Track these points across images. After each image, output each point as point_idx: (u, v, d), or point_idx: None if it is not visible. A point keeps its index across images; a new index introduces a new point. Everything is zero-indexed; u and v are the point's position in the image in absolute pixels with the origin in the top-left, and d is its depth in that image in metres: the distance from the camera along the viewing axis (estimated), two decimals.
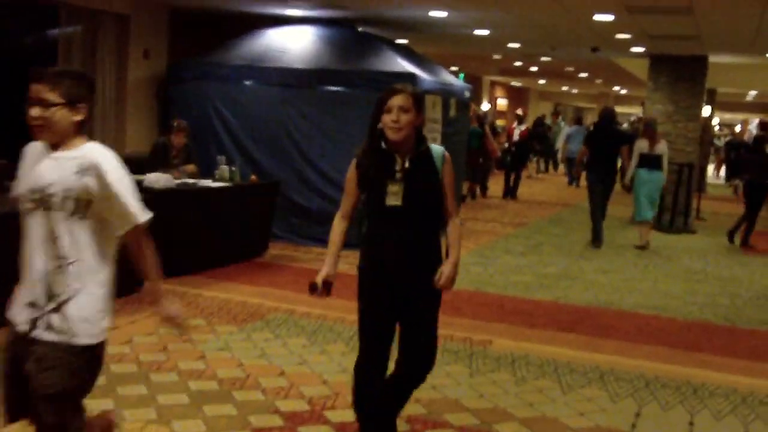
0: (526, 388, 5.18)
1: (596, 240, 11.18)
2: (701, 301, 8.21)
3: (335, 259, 3.77)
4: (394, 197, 3.58)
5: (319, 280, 3.72)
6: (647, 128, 11.36)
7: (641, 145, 11.11)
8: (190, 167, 8.62)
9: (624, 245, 11.44)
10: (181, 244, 7.55)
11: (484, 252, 10.19)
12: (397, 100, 3.53)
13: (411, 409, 4.62)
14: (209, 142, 9.76)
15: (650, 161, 11.00)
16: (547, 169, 25.16)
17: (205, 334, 5.91)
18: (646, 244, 11.25)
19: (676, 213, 13.57)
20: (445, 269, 3.64)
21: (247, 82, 9.93)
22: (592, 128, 13.06)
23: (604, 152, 11.10)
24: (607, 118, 11.51)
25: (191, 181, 8.31)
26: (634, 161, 11.11)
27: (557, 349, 6.10)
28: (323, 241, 9.73)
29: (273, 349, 5.67)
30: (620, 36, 11.56)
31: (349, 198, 3.77)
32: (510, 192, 16.89)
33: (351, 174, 3.71)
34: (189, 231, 7.71)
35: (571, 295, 8.08)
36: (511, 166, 17.02)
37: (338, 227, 3.79)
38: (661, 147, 11.10)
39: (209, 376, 5.02)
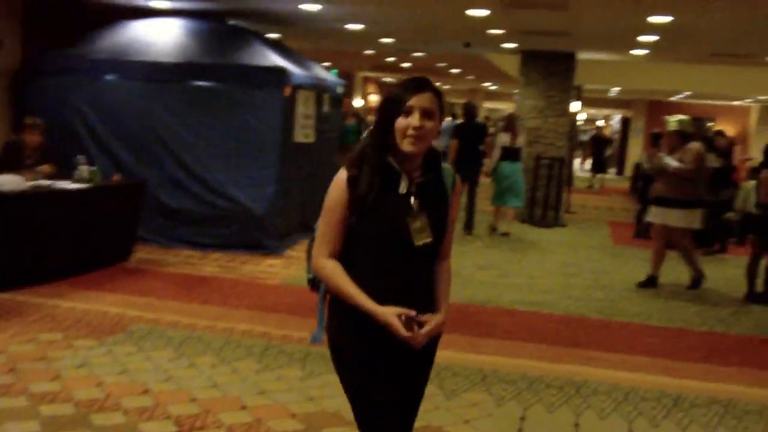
0: None
1: (467, 227, 11.91)
2: (577, 294, 8.25)
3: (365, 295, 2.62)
4: (422, 234, 2.67)
5: (395, 321, 2.57)
6: (509, 123, 12.09)
7: (504, 139, 11.81)
8: (46, 168, 8.01)
9: (499, 241, 11.48)
10: (36, 251, 7.03)
11: None
12: (421, 100, 2.61)
13: (288, 425, 4.34)
14: (69, 141, 9.11)
15: (512, 154, 11.77)
16: None
17: (62, 350, 5.42)
18: (496, 228, 12.14)
19: (547, 207, 13.75)
20: (434, 320, 2.70)
21: (110, 77, 9.37)
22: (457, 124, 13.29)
23: (468, 145, 11.74)
24: (470, 113, 12.09)
25: (47, 182, 7.71)
26: (497, 153, 11.82)
27: (438, 352, 5.89)
28: (193, 244, 9.48)
29: (136, 364, 5.24)
30: (493, 31, 11.55)
31: (336, 228, 2.68)
32: None
33: (338, 195, 2.68)
34: (44, 236, 7.15)
35: (452, 292, 7.92)
36: None
37: (336, 269, 2.67)
38: (521, 140, 11.97)
39: (64, 398, 4.56)
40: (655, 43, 11.76)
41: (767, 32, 10.13)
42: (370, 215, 2.64)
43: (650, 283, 8.78)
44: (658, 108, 27.30)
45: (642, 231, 12.18)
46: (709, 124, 25.96)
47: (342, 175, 2.69)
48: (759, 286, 8.50)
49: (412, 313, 2.60)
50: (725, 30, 10.18)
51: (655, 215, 8.65)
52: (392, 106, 2.64)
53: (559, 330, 6.87)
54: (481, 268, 9.35)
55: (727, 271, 10.13)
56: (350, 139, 13.80)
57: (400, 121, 2.61)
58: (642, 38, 11.26)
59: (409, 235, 2.64)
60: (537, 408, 4.92)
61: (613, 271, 9.68)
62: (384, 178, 2.66)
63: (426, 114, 2.60)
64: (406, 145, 2.61)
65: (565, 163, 14.47)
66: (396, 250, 2.66)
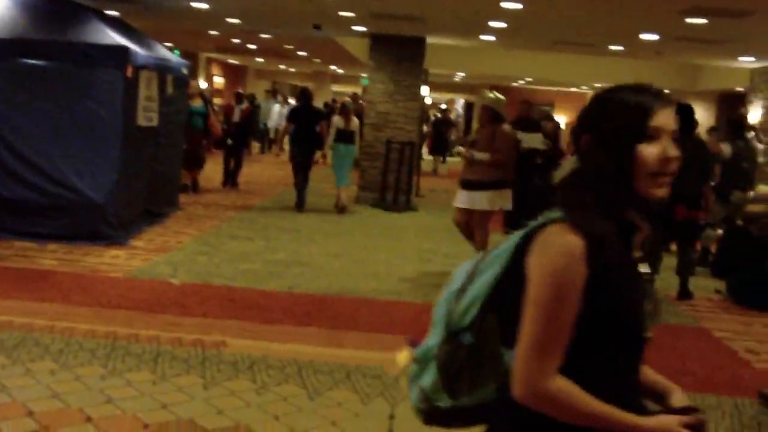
0: (269, 398, 4.65)
1: (299, 205, 12.45)
2: (434, 281, 8.14)
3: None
4: (651, 318, 1.86)
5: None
6: (343, 108, 12.91)
7: (338, 123, 12.47)
8: None
9: (350, 226, 11.32)
10: None
11: (208, 239, 9.54)
12: (670, 118, 1.77)
13: None
14: None
15: (346, 136, 12.47)
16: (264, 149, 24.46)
17: None
18: (344, 207, 12.70)
19: (398, 192, 13.70)
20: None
21: None
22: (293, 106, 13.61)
23: (303, 128, 12.23)
24: (306, 97, 12.69)
25: None
26: (332, 136, 12.43)
27: (298, 347, 5.63)
28: (29, 235, 8.75)
29: None
30: (344, 14, 11.33)
31: (568, 327, 1.69)
32: (230, 178, 14.96)
33: (573, 274, 1.67)
34: None
35: (305, 283, 7.68)
36: (230, 149, 14.98)
37: (573, 388, 1.70)
38: (354, 124, 12.62)
39: None
40: (504, 30, 11.87)
41: (608, 23, 10.40)
42: (612, 297, 1.72)
43: None
44: (501, 93, 27.96)
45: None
46: (546, 107, 26.82)
47: (572, 240, 1.67)
48: None
49: (700, 414, 1.81)
50: (570, 20, 10.36)
51: (462, 199, 8.21)
52: (634, 122, 1.74)
53: (421, 319, 6.71)
54: (334, 256, 9.13)
55: None
56: (196, 122, 13.11)
57: (647, 150, 1.73)
58: (492, 24, 11.33)
59: (644, 319, 1.82)
60: (406, 405, 4.73)
61: (467, 257, 9.64)
62: (623, 242, 1.78)
63: (675, 139, 1.78)
64: (656, 188, 1.76)
65: (416, 147, 14.48)
66: (633, 343, 1.83)
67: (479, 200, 8.10)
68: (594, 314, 1.70)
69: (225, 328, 5.98)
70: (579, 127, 1.85)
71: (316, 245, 9.65)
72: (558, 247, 1.68)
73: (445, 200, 13.16)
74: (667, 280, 8.50)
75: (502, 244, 1.85)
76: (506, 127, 8.29)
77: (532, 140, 11.38)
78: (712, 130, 14.16)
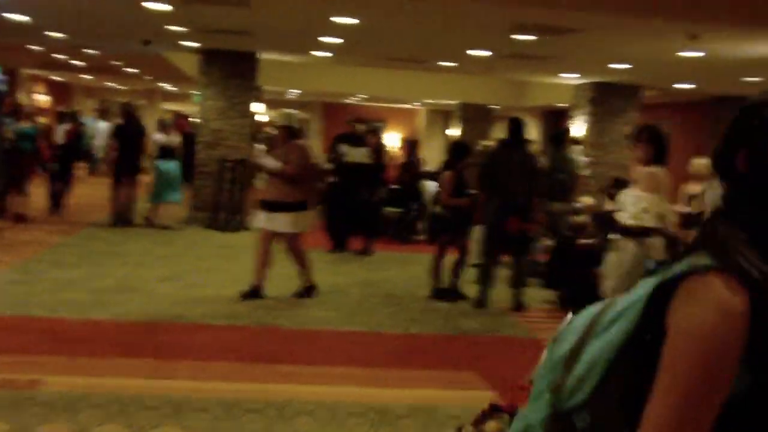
0: None
1: (120, 222, 12.50)
2: (269, 303, 7.89)
3: None
4: None
5: None
6: (163, 125, 13.16)
7: (159, 138, 12.71)
8: None
9: (183, 249, 10.89)
10: None
11: (28, 266, 8.89)
12: None
13: None
14: None
15: (168, 152, 12.68)
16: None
17: None
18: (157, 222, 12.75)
19: (232, 211, 13.34)
20: None
21: None
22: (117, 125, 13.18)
23: (128, 145, 12.30)
24: (129, 113, 12.75)
25: None
26: (156, 152, 12.66)
27: (123, 381, 5.25)
28: None
29: None
30: (174, 28, 10.93)
31: (716, 408, 1.26)
32: (56, 202, 13.55)
33: (728, 343, 1.25)
34: None
35: (133, 310, 7.24)
36: (56, 172, 13.56)
37: None
38: (174, 139, 12.92)
39: None
40: (338, 45, 11.80)
41: (441, 39, 10.51)
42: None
43: (254, 294, 8.00)
44: (334, 110, 27.94)
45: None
46: (378, 124, 27.07)
47: (730, 295, 1.27)
48: (446, 282, 8.73)
49: None
50: (404, 35, 10.40)
51: (262, 220, 7.99)
52: None
53: (256, 344, 6.47)
54: (164, 279, 8.71)
55: (410, 270, 10.36)
56: (26, 146, 12.16)
57: None
58: (325, 40, 11.23)
59: None
60: None
61: (289, 275, 9.45)
62: None
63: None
64: None
65: (248, 165, 14.16)
66: None
67: (282, 222, 7.86)
68: (756, 390, 1.29)
69: (42, 365, 5.50)
70: (726, 145, 1.44)
71: (146, 269, 9.20)
72: (711, 303, 1.26)
73: None
74: (500, 292, 8.62)
75: (628, 295, 1.44)
76: (300, 141, 8.10)
77: (358, 154, 11.46)
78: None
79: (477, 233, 9.55)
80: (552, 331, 1.62)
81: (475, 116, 21.92)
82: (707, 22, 7.85)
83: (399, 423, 4.86)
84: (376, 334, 7.04)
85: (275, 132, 9.17)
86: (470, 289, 8.74)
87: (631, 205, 5.74)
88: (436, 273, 8.71)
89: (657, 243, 5.70)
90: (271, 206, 7.87)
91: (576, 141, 12.71)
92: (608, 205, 8.86)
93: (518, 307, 8.40)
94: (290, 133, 8.00)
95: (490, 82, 19.22)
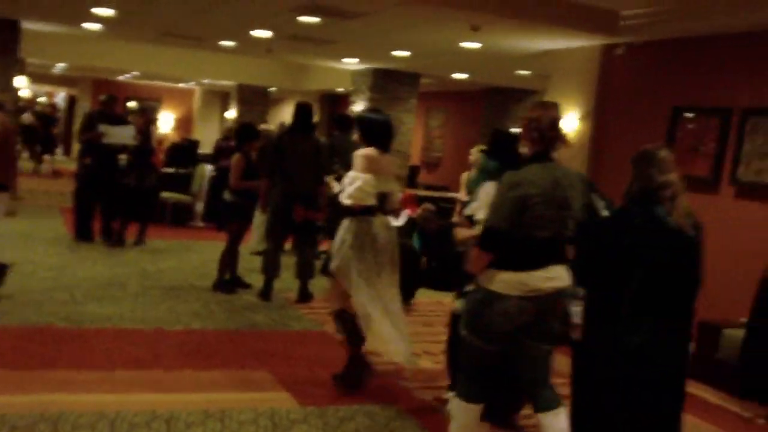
0: None
1: None
2: (37, 299, 7.20)
3: None
4: None
5: None
6: None
7: None
8: None
9: None
10: None
11: None
12: None
13: None
14: None
15: None
16: None
17: None
18: None
19: None
20: None
21: None
22: None
23: None
24: None
25: None
26: None
27: None
28: None
29: None
30: None
31: None
32: None
33: None
34: None
35: None
36: None
37: None
38: None
39: None
40: (111, 18, 11.08)
41: (218, 15, 10.11)
42: None
43: None
44: (105, 87, 26.36)
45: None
46: (153, 103, 26.03)
47: None
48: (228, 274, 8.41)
49: None
50: (185, 11, 9.92)
51: None
52: None
53: (22, 347, 5.82)
54: None
55: (190, 259, 9.95)
56: None
57: None
58: (96, 11, 10.49)
59: None
60: None
61: (75, 267, 8.78)
62: None
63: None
64: None
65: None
66: None
67: None
68: None
69: None
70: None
71: None
72: None
73: (46, 203, 12.06)
74: (286, 282, 8.43)
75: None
76: None
77: (121, 135, 10.59)
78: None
79: (259, 219, 9.30)
80: None
81: (253, 98, 21.60)
82: (492, 13, 7.99)
83: None
84: (157, 332, 6.58)
85: None
86: (252, 278, 8.50)
87: (349, 186, 5.65)
88: (225, 264, 8.33)
89: (379, 220, 5.61)
90: None
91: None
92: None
93: (304, 297, 8.22)
94: None
95: (269, 64, 18.92)
